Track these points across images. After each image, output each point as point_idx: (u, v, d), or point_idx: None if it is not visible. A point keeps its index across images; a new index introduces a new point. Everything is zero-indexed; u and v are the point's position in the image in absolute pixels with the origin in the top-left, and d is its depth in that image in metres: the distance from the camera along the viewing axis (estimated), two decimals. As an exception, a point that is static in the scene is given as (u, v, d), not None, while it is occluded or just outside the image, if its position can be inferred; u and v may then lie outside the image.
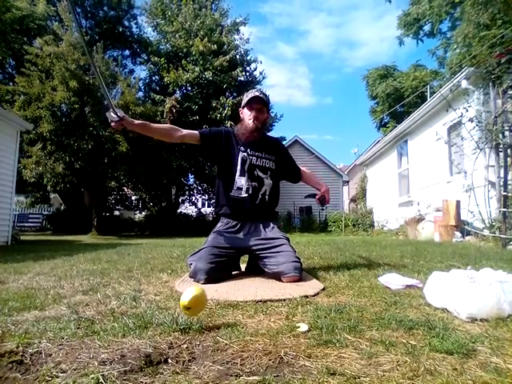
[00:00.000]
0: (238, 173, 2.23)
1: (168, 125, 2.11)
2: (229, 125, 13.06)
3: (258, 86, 16.08)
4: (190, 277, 2.00)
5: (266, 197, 2.27)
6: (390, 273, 2.04)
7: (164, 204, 16.71)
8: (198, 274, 1.92)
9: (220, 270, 2.00)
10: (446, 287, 1.36)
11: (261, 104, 2.24)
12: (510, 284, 1.30)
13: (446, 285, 1.37)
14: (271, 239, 2.14)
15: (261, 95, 2.24)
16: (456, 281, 1.36)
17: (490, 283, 1.28)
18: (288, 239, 2.18)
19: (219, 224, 2.28)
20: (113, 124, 1.93)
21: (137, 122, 2.05)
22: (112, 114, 1.87)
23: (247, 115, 2.24)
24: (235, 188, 2.22)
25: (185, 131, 2.21)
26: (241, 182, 2.22)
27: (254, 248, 2.12)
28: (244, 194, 2.21)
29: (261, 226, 2.21)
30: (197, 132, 2.23)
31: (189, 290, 1.24)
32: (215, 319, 1.25)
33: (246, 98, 2.28)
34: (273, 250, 2.08)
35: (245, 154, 2.23)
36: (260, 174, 2.26)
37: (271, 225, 2.25)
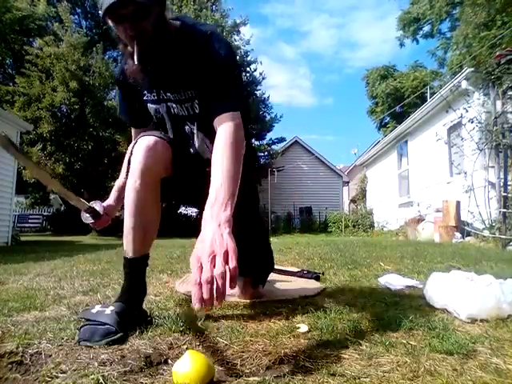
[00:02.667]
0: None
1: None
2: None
3: (259, 87, 16.12)
4: None
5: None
6: (391, 273, 2.04)
7: (164, 205, 16.72)
8: None
9: None
10: (445, 288, 1.37)
11: (129, 5, 1.06)
12: (509, 284, 1.30)
13: (446, 286, 1.37)
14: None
15: None
16: (455, 281, 1.36)
17: (489, 284, 1.28)
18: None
19: None
20: (93, 224, 1.39)
21: (115, 198, 1.45)
22: (86, 215, 1.36)
23: (122, 36, 1.16)
24: None
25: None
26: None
27: None
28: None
29: None
30: (133, 129, 1.49)
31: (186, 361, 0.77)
32: (215, 319, 1.25)
33: (100, 4, 1.12)
34: None
35: (158, 106, 1.31)
36: (192, 127, 1.31)
37: None
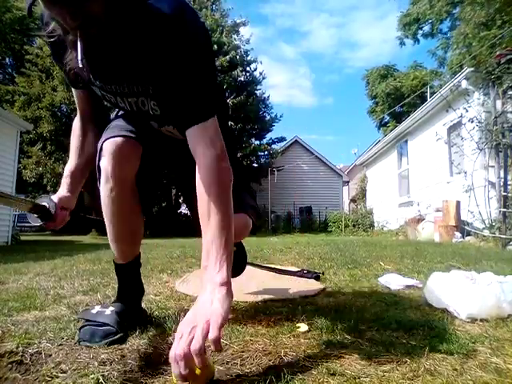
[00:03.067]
0: None
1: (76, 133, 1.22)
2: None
3: (259, 87, 16.11)
4: None
5: None
6: (391, 273, 2.04)
7: (164, 204, 16.73)
8: None
9: None
10: (446, 288, 1.37)
11: None
12: (509, 284, 1.30)
13: (446, 285, 1.37)
14: None
15: None
16: (456, 281, 1.36)
17: (489, 283, 1.29)
18: None
19: None
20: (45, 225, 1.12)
21: (69, 187, 1.17)
22: (34, 216, 1.09)
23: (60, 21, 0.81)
24: None
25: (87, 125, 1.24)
26: None
27: None
28: None
29: None
30: (73, 89, 1.20)
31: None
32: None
33: None
34: None
35: (92, 87, 1.05)
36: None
37: None
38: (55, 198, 1.12)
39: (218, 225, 0.84)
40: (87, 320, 1.07)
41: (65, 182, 1.19)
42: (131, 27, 0.86)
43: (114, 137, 1.05)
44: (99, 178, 1.07)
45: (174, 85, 0.93)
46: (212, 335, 0.71)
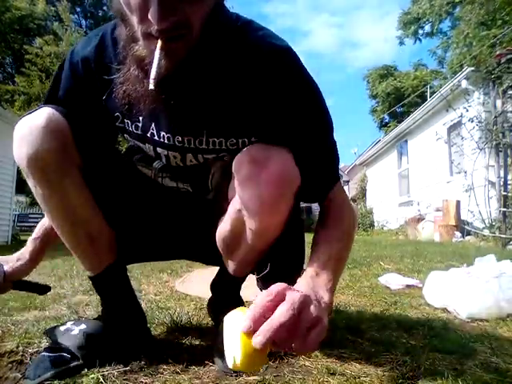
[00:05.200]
0: None
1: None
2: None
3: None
4: None
5: None
6: (390, 273, 2.04)
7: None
8: None
9: None
10: (444, 287, 1.37)
11: None
12: (506, 278, 1.28)
13: (445, 285, 1.37)
14: None
15: None
16: (454, 280, 1.36)
17: (487, 280, 1.27)
18: None
19: None
20: None
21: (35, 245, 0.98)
22: None
23: (134, 21, 0.58)
24: None
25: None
26: None
27: None
28: None
29: None
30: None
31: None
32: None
33: None
34: None
35: (142, 145, 0.83)
36: None
37: None
38: (7, 267, 0.91)
39: (338, 258, 0.76)
40: (52, 340, 0.88)
41: (33, 242, 0.94)
42: (230, 59, 0.69)
43: (26, 115, 0.78)
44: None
45: (294, 139, 0.74)
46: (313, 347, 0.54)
